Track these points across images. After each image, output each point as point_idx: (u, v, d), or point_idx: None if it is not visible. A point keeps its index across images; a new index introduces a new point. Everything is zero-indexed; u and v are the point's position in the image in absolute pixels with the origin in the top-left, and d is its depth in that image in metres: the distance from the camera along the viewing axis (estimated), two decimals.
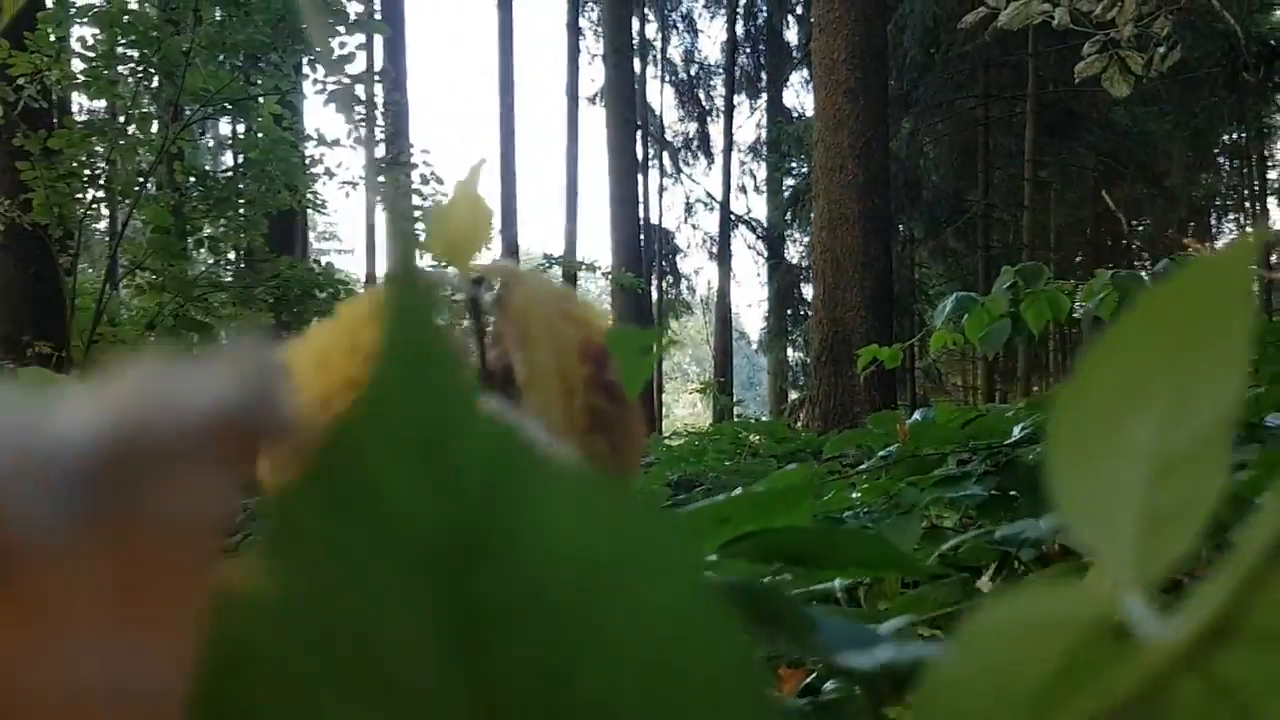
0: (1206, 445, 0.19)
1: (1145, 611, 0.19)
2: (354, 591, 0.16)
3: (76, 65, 5.18)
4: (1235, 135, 16.40)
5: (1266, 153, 18.70)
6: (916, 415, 1.69)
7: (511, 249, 16.71)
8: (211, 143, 16.37)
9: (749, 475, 3.73)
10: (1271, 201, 20.33)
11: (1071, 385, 0.21)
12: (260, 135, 5.18)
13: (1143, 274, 2.79)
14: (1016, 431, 1.63)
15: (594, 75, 20.55)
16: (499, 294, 0.31)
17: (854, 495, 1.42)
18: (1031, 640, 0.19)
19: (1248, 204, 20.80)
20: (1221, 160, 19.36)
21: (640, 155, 17.71)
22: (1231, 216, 22.06)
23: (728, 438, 4.68)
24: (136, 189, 5.06)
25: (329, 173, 6.42)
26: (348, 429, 0.16)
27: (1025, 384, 13.22)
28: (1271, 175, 19.95)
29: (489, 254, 0.32)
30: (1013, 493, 1.61)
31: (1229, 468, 0.19)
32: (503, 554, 0.17)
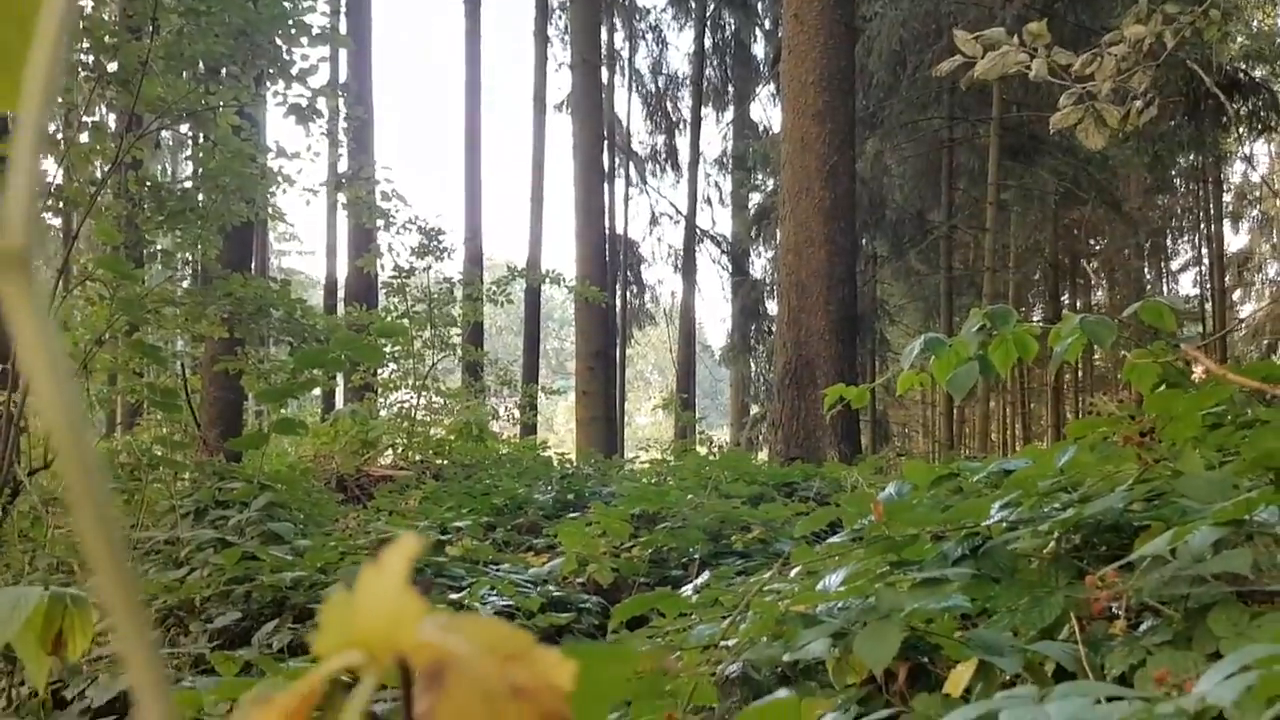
0: None
1: None
2: None
3: None
4: (1192, 160, 16.67)
5: (1222, 176, 19.03)
6: (890, 491, 1.64)
7: (476, 259, 16.55)
8: (171, 142, 16.03)
9: (711, 513, 3.66)
10: (1226, 224, 20.70)
11: None
12: (216, 147, 5.03)
13: (1108, 319, 2.78)
14: (995, 511, 1.58)
15: (561, 83, 20.45)
16: (425, 708, 0.24)
17: (828, 584, 1.35)
18: None
19: (1203, 226, 21.17)
20: (1178, 183, 19.67)
21: (607, 165, 17.63)
22: (1187, 239, 22.45)
23: (690, 471, 4.62)
24: (89, 198, 4.89)
25: (289, 180, 6.27)
26: None
27: (985, 404, 13.29)
28: (1226, 198, 20.31)
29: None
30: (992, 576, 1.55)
31: None
32: None
